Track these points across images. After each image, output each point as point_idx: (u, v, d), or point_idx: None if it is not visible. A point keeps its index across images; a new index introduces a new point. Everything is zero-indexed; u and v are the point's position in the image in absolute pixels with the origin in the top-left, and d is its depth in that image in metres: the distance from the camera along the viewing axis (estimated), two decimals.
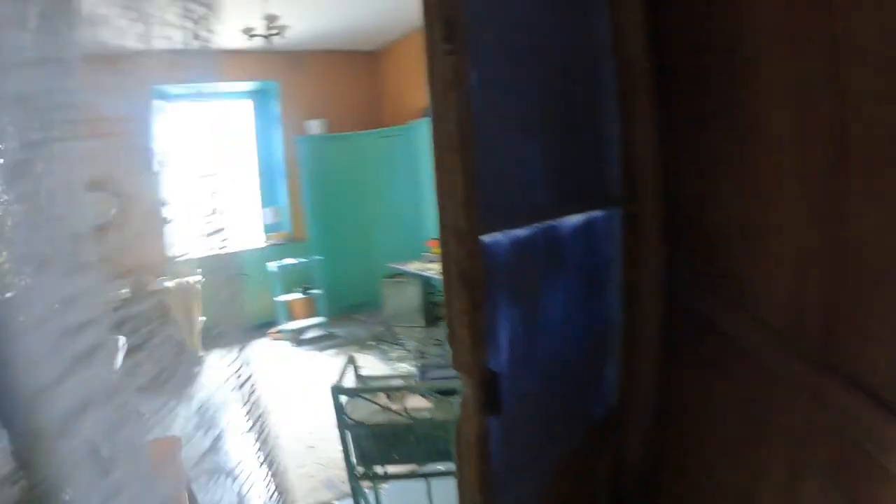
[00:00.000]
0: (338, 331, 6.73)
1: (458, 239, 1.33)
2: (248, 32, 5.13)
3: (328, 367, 5.47)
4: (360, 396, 2.05)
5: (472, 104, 1.22)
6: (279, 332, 6.65)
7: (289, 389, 5.12)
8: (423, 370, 2.41)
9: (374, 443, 2.01)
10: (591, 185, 1.90)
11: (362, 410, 2.08)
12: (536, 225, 1.59)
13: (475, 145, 1.26)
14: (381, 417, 2.04)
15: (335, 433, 2.18)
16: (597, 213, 1.86)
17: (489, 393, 1.35)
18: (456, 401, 1.43)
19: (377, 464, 2.15)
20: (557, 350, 1.75)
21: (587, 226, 1.80)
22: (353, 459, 2.11)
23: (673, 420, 1.93)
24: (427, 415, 2.01)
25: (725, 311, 1.55)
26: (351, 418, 1.98)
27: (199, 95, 6.66)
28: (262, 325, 6.99)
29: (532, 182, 1.62)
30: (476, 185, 1.29)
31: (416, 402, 2.11)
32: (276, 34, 5.19)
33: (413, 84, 6.69)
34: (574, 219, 1.74)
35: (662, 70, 1.80)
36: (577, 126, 1.80)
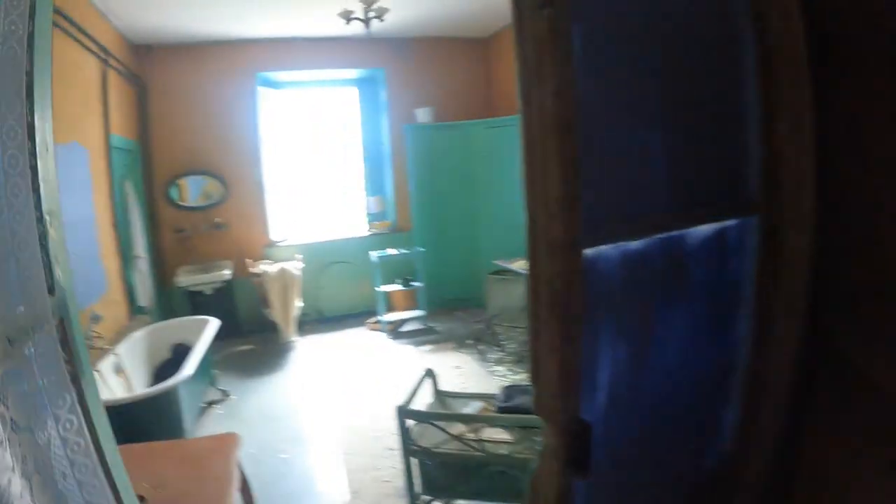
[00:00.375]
0: (437, 325, 6.60)
1: (551, 251, 1.04)
2: (346, 16, 5.03)
3: (421, 363, 5.32)
4: (428, 422, 1.79)
5: (575, 74, 0.92)
6: (377, 322, 6.62)
7: (377, 384, 5.03)
8: (508, 393, 2.12)
9: (443, 472, 1.76)
10: (723, 187, 1.52)
11: (433, 433, 1.84)
12: (654, 236, 1.26)
13: (578, 128, 0.97)
14: (452, 446, 1.78)
15: None
16: (729, 223, 1.50)
17: (577, 449, 1.06)
18: (539, 441, 1.16)
19: (444, 496, 1.90)
20: (669, 390, 1.42)
21: (717, 238, 1.45)
22: (417, 487, 1.86)
23: (799, 485, 1.54)
24: (505, 450, 1.73)
25: None
26: (417, 445, 1.73)
27: (306, 83, 6.75)
28: (361, 314, 7.02)
29: (650, 182, 1.29)
30: (578, 182, 1.00)
31: (496, 433, 1.84)
32: (375, 17, 5.05)
33: None
34: (701, 230, 1.39)
35: (821, 42, 1.39)
36: (708, 112, 1.43)
